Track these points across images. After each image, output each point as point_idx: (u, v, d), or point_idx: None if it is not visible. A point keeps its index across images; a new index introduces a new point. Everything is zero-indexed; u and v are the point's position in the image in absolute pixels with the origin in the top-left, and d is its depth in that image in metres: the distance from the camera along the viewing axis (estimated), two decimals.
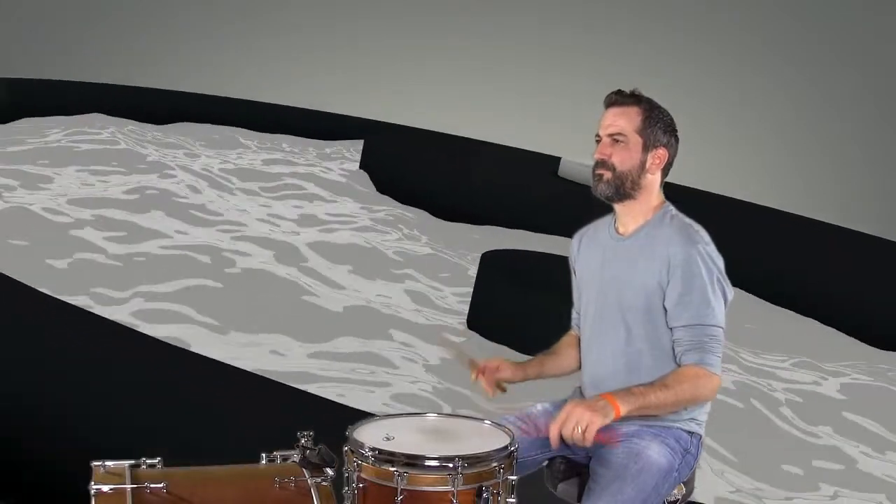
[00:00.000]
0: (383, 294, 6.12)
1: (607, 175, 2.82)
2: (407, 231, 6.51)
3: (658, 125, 2.83)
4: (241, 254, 6.29)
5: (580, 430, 2.56)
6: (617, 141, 2.81)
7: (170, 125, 11.36)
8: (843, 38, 5.22)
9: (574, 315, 3.12)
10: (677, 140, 2.88)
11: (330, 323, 5.69)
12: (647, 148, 2.82)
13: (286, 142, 11.31)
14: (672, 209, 2.88)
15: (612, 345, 2.85)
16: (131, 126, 10.88)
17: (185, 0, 5.47)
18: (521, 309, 5.03)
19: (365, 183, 6.81)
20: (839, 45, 5.20)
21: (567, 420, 2.58)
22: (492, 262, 5.27)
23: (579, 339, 3.08)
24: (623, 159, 2.81)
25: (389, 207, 6.54)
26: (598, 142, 2.85)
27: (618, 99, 2.85)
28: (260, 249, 6.49)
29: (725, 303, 2.76)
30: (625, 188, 2.82)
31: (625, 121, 2.81)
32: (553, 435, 2.61)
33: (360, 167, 6.24)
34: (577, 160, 5.54)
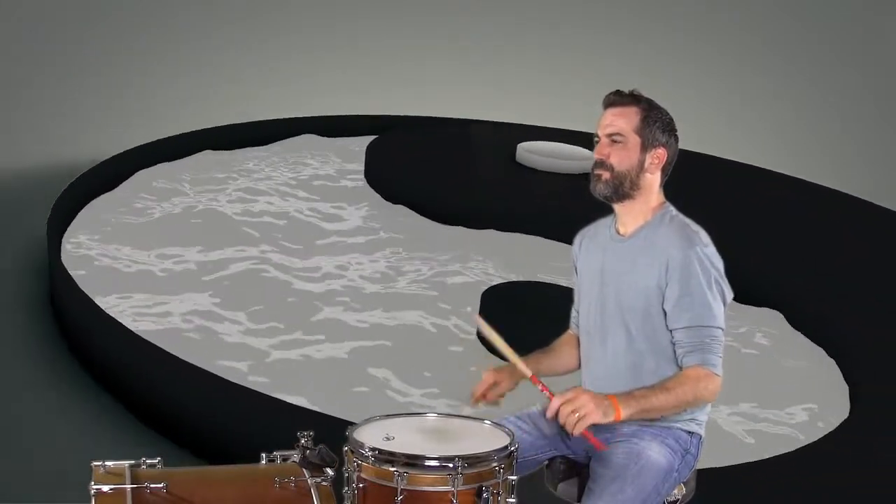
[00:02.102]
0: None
1: (606, 175, 2.82)
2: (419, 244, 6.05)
3: (657, 125, 2.82)
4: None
5: (576, 417, 2.56)
6: (615, 141, 2.81)
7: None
8: (843, 39, 5.22)
9: (574, 314, 3.12)
10: (677, 140, 2.87)
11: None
12: (645, 147, 2.82)
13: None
14: (672, 210, 2.88)
15: (614, 345, 2.85)
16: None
17: (184, 1, 5.45)
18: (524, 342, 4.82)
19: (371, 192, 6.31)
20: (839, 46, 5.20)
21: (570, 401, 2.59)
22: (492, 300, 4.95)
23: (577, 339, 3.08)
24: (621, 159, 2.81)
25: (400, 217, 6.05)
26: (596, 142, 2.86)
27: (616, 99, 2.85)
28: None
29: (724, 304, 2.76)
30: (623, 188, 2.82)
31: (623, 121, 2.81)
32: (553, 405, 2.62)
33: (365, 177, 5.94)
34: (533, 145, 5.24)
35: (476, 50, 5.31)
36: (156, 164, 6.17)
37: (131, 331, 4.19)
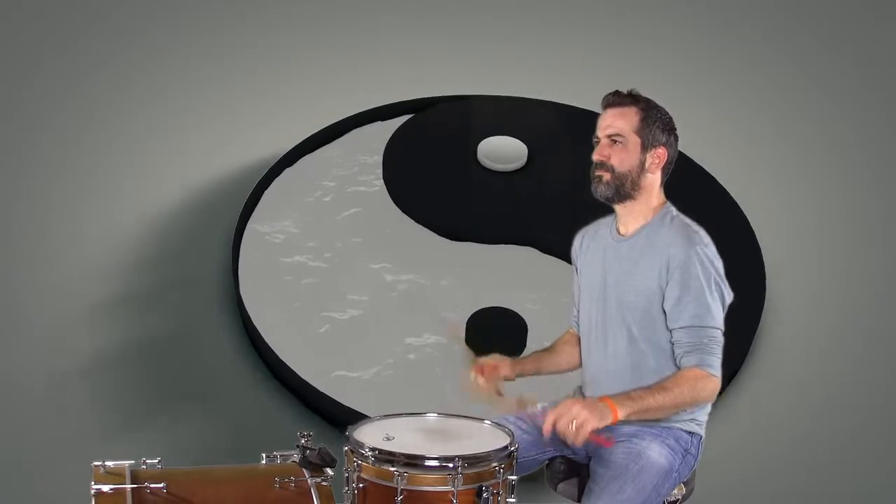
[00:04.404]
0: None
1: (606, 176, 2.82)
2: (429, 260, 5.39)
3: (656, 124, 2.82)
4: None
5: (573, 428, 2.56)
6: (615, 142, 2.82)
7: None
8: (843, 38, 5.22)
9: (574, 313, 3.13)
10: (677, 139, 2.87)
11: None
12: (645, 148, 2.82)
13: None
14: (673, 210, 2.88)
15: (615, 345, 2.85)
16: None
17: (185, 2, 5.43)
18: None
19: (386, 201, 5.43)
20: (840, 45, 5.20)
21: (564, 415, 2.58)
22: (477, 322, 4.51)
23: (577, 337, 3.08)
24: (622, 160, 2.81)
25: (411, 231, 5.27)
26: (596, 143, 2.86)
27: (615, 100, 2.85)
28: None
29: (723, 305, 2.76)
30: (625, 189, 2.82)
31: (622, 121, 2.82)
32: (547, 425, 2.61)
33: (384, 180, 5.15)
34: (494, 144, 4.87)
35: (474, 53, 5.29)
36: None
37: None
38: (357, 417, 3.89)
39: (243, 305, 4.45)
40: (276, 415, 4.34)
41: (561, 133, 4.91)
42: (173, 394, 4.40)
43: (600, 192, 2.84)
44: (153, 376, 4.43)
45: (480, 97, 5.08)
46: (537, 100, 5.03)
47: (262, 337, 4.38)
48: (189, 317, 4.60)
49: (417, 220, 4.75)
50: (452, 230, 4.75)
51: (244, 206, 4.71)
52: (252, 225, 4.71)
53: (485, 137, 4.92)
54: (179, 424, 4.28)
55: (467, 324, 4.35)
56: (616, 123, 2.82)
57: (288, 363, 4.31)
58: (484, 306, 4.49)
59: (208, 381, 4.45)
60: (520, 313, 4.45)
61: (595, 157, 2.84)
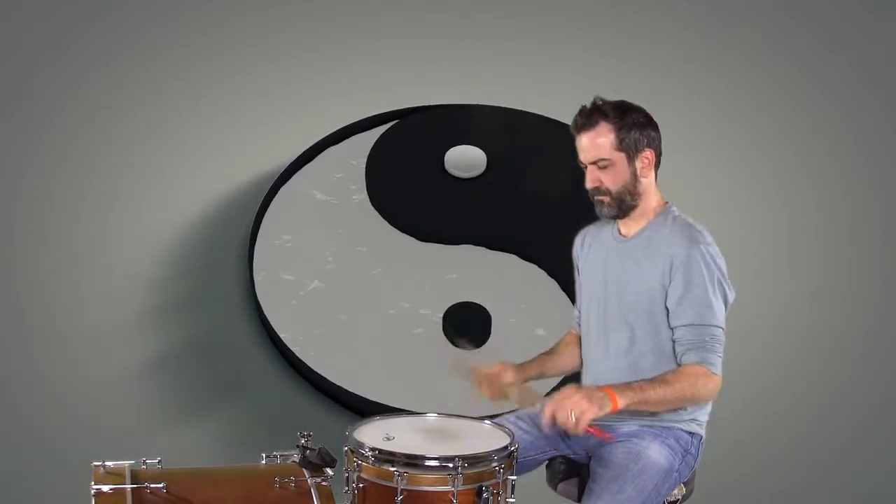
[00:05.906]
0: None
1: (606, 199, 2.82)
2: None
3: (633, 130, 2.79)
4: None
5: (573, 418, 2.55)
6: (602, 166, 2.80)
7: None
8: (843, 38, 5.22)
9: (575, 313, 3.13)
10: (657, 129, 2.85)
11: None
12: (631, 158, 2.80)
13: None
14: (674, 210, 2.88)
15: (615, 345, 2.85)
16: None
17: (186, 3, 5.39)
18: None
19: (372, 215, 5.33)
20: (840, 45, 5.20)
21: (563, 404, 2.58)
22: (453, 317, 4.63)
23: (579, 338, 3.08)
24: (614, 180, 2.80)
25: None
26: (584, 168, 2.84)
27: (585, 121, 2.81)
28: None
29: (726, 304, 2.75)
30: (626, 203, 2.83)
31: (601, 143, 2.78)
32: (547, 414, 2.60)
33: (368, 194, 5.11)
34: (457, 153, 4.84)
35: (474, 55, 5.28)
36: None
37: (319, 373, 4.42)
38: (372, 405, 4.14)
39: (261, 308, 4.50)
40: (302, 408, 4.43)
41: (525, 142, 5.02)
42: (202, 392, 4.45)
43: (605, 213, 2.84)
44: (175, 377, 4.46)
45: (481, 106, 5.12)
46: (517, 109, 5.10)
47: (279, 337, 4.46)
48: (195, 316, 4.62)
49: (394, 225, 4.85)
50: (426, 233, 4.85)
51: (247, 210, 4.76)
52: (261, 231, 4.76)
53: (462, 145, 5.03)
54: (216, 422, 4.35)
55: (443, 318, 4.48)
56: (595, 149, 2.79)
57: (307, 362, 4.41)
58: (457, 301, 4.62)
59: (234, 378, 4.51)
60: (485, 306, 4.57)
61: (588, 185, 2.83)
